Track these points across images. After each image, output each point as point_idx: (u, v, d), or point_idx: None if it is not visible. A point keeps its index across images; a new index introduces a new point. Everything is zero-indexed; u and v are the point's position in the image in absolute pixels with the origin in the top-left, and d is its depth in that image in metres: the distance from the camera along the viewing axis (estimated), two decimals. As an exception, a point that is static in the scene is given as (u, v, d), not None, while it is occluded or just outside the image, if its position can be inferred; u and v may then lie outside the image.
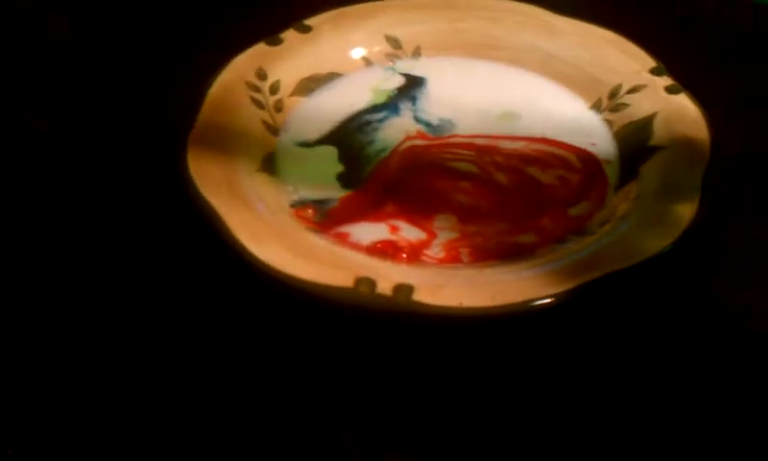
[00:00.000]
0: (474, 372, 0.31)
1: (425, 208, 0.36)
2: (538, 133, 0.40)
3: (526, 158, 0.38)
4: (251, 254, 0.31)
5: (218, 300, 0.33)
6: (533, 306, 0.30)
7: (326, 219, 0.35)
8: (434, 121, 0.40)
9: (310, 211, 0.35)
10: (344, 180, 0.37)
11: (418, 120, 0.41)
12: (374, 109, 0.41)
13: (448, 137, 0.40)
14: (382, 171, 0.38)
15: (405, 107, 0.41)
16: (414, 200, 0.36)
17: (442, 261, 0.33)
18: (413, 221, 0.35)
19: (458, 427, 0.29)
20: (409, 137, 0.40)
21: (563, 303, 0.30)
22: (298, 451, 0.29)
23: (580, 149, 0.39)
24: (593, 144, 0.39)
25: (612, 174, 0.38)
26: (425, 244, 0.34)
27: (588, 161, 0.38)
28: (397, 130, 0.40)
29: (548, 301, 0.30)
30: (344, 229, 0.35)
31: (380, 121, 0.40)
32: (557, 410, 0.30)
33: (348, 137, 0.39)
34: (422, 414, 0.30)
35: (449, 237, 0.34)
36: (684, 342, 0.32)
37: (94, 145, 0.41)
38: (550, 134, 0.40)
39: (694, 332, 0.32)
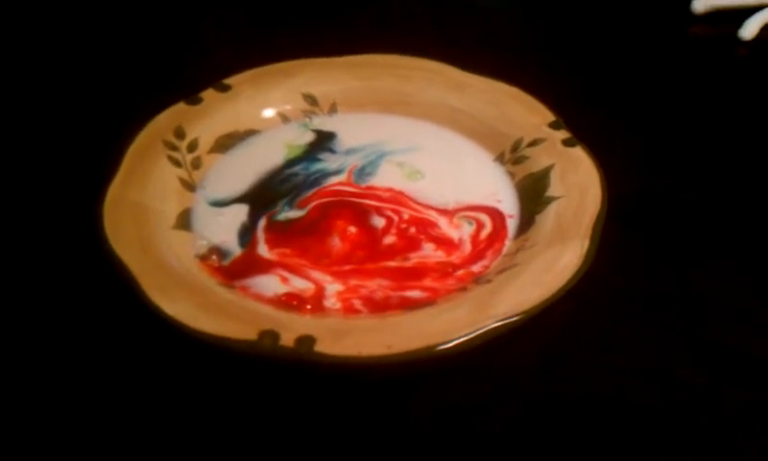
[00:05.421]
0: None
1: (306, 257, 0.38)
2: (447, 189, 0.42)
3: (434, 236, 0.39)
4: (160, 310, 0.32)
5: (137, 352, 0.35)
6: (429, 353, 0.32)
7: (229, 272, 0.37)
8: (344, 172, 0.43)
9: (214, 257, 0.37)
10: (243, 237, 0.39)
11: (329, 172, 0.43)
12: (289, 163, 0.43)
13: (366, 188, 0.42)
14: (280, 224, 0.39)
15: (321, 159, 0.44)
16: (298, 249, 0.38)
17: (343, 311, 0.35)
18: (293, 270, 0.37)
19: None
20: (320, 189, 0.42)
21: (456, 351, 0.32)
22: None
23: (489, 208, 0.41)
24: (499, 201, 0.41)
25: (512, 226, 0.40)
26: (320, 294, 0.36)
27: (496, 219, 0.40)
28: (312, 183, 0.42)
29: (443, 348, 0.32)
30: (243, 282, 0.36)
31: (295, 176, 0.42)
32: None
33: (262, 194, 0.41)
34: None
35: (336, 289, 0.36)
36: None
37: (12, 206, 0.42)
38: (459, 191, 0.42)
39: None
